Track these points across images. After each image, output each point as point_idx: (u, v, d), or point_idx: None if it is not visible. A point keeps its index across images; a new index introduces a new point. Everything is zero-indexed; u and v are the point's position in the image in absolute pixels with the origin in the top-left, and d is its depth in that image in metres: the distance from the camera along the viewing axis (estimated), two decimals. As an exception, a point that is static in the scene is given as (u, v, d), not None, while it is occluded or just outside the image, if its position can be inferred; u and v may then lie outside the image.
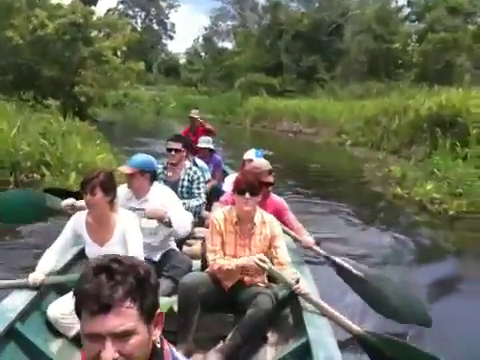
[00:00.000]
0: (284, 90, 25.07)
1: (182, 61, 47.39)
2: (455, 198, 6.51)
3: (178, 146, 3.83)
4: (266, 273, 2.69)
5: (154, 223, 2.96)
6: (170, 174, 3.88)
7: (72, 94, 15.32)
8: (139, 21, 48.71)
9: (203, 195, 3.89)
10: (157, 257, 3.00)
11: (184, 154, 3.92)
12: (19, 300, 2.40)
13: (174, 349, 1.09)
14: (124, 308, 0.93)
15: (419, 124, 10.45)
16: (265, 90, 23.88)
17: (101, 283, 0.93)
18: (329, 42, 26.37)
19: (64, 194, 3.15)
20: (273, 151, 9.75)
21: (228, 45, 40.97)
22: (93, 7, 16.84)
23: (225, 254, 2.61)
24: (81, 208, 2.78)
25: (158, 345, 1.04)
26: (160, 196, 2.98)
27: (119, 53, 17.54)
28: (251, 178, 2.64)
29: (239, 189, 2.57)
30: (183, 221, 3.02)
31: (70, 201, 2.91)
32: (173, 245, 3.17)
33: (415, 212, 6.69)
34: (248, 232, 2.64)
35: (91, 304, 0.93)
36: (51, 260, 2.58)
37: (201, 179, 3.92)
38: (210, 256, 2.60)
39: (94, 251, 2.59)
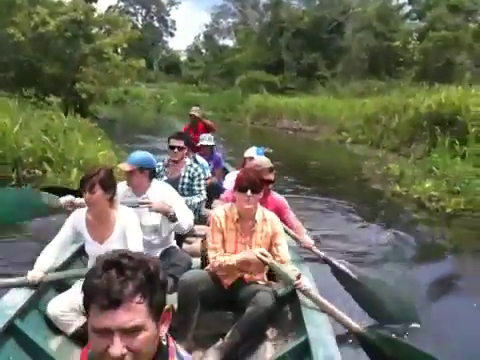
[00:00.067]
0: (285, 88, 25.08)
1: (183, 58, 47.33)
2: (453, 196, 6.54)
3: (180, 143, 3.85)
4: (266, 271, 2.72)
5: (156, 220, 2.96)
6: (171, 171, 3.90)
7: (73, 91, 15.33)
8: (140, 18, 48.71)
9: (204, 192, 3.92)
10: (157, 255, 2.99)
11: (185, 151, 3.96)
12: (18, 297, 2.39)
13: (178, 346, 1.10)
14: (134, 304, 0.93)
15: (419, 122, 10.47)
16: (265, 88, 23.88)
17: (111, 278, 0.93)
18: (330, 40, 26.35)
19: (62, 192, 3.12)
20: (273, 149, 9.77)
21: (229, 42, 41.09)
22: (94, 4, 16.80)
23: (226, 252, 2.61)
24: (80, 205, 2.76)
25: (164, 342, 1.04)
26: (160, 193, 2.98)
27: (120, 50, 17.56)
28: (252, 175, 2.63)
29: (240, 186, 2.57)
30: (187, 216, 3.05)
31: (69, 198, 2.90)
32: (173, 243, 3.17)
33: (413, 209, 6.73)
34: (249, 230, 2.64)
35: (101, 299, 0.93)
36: (50, 257, 2.57)
37: (202, 176, 3.94)
38: (211, 254, 2.60)
39: (94, 248, 2.59)
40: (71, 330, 2.42)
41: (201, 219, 3.91)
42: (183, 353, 1.09)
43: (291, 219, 3.34)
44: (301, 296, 2.61)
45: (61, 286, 2.64)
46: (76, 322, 2.41)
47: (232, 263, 2.53)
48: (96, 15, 16.61)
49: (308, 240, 3.32)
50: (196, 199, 3.82)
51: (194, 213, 3.57)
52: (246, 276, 2.63)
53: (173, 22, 49.82)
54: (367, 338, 2.45)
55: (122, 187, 2.92)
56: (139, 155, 3.00)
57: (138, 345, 0.94)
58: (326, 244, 4.80)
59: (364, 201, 7.61)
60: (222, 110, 24.67)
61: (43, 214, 3.62)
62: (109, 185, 2.49)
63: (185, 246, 3.60)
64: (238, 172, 3.26)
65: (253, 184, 2.55)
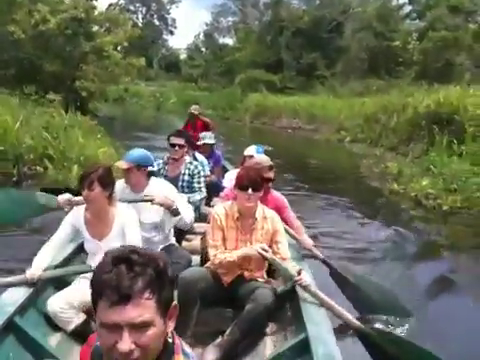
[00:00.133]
0: (284, 87, 25.07)
1: (183, 57, 47.28)
2: (450, 194, 6.61)
3: (181, 141, 3.85)
4: (265, 268, 2.74)
5: (156, 217, 2.96)
6: (171, 169, 3.91)
7: (73, 89, 15.33)
8: (140, 16, 48.62)
9: (204, 189, 3.93)
10: None
11: (186, 149, 3.96)
12: (18, 294, 2.39)
13: (184, 343, 1.10)
14: (143, 299, 0.93)
15: (417, 121, 10.52)
16: (265, 87, 23.90)
17: (121, 274, 0.93)
18: (329, 39, 26.36)
19: (59, 192, 3.06)
20: (272, 147, 9.85)
21: (229, 41, 40.96)
22: (94, 2, 16.77)
23: (226, 249, 2.61)
24: (78, 203, 2.74)
25: (169, 339, 1.04)
26: (159, 190, 2.96)
27: (120, 48, 17.58)
28: (253, 174, 2.63)
29: (241, 185, 2.56)
30: (188, 211, 3.08)
31: (66, 197, 2.85)
32: (172, 240, 3.17)
33: (410, 207, 6.79)
34: (249, 227, 2.64)
35: (110, 294, 0.93)
36: (48, 255, 2.56)
37: (201, 173, 3.95)
38: (211, 251, 2.59)
39: (93, 246, 2.61)
40: (71, 327, 2.42)
41: (201, 217, 3.90)
42: (188, 350, 1.09)
43: (291, 218, 3.31)
44: (301, 293, 2.61)
45: (60, 283, 2.64)
46: (75, 319, 2.42)
47: (233, 259, 2.53)
48: (96, 13, 16.60)
49: (308, 241, 3.30)
50: (197, 196, 3.84)
51: (194, 211, 3.56)
52: (246, 273, 2.63)
53: (173, 20, 49.81)
54: (367, 334, 2.46)
55: (120, 185, 2.90)
56: (136, 153, 2.99)
57: (146, 341, 0.95)
58: (324, 241, 4.87)
59: (362, 199, 7.69)
60: (222, 109, 24.67)
61: (39, 213, 3.57)
62: (108, 182, 2.50)
63: (184, 244, 3.61)
64: (238, 170, 3.29)
65: (254, 182, 2.55)
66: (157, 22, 49.44)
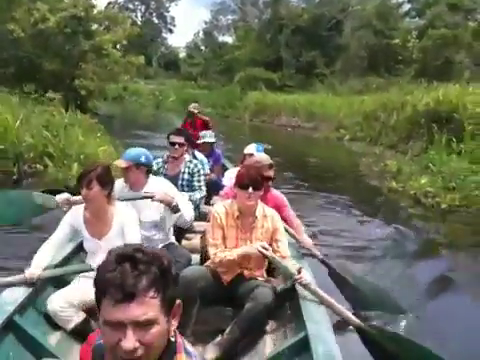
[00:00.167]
0: (283, 85, 25.08)
1: (182, 55, 47.26)
2: (448, 192, 6.63)
3: (181, 140, 3.84)
4: (265, 267, 2.74)
5: (156, 216, 2.97)
6: (170, 168, 3.91)
7: (72, 87, 15.35)
8: (139, 14, 48.56)
9: (203, 188, 3.93)
10: None
11: (185, 148, 3.96)
12: (18, 293, 2.39)
13: (186, 341, 1.10)
14: (148, 298, 0.94)
15: (416, 120, 10.54)
16: (264, 85, 23.88)
17: (125, 272, 0.93)
18: (329, 37, 26.34)
19: (57, 193, 3.06)
20: (272, 145, 9.87)
21: (228, 39, 40.85)
22: (94, 0, 16.83)
23: (226, 248, 2.61)
24: (77, 203, 2.74)
25: (171, 338, 1.04)
26: (158, 188, 2.96)
27: (119, 47, 17.58)
28: (254, 173, 2.63)
29: (242, 184, 2.56)
30: (188, 208, 3.09)
31: (65, 196, 2.84)
32: (172, 239, 3.17)
33: (409, 205, 6.81)
34: (249, 226, 2.64)
35: (115, 292, 0.93)
36: (47, 255, 2.55)
37: (201, 172, 3.95)
38: (211, 250, 2.60)
39: (92, 245, 2.61)
40: (70, 326, 2.42)
41: (200, 215, 3.90)
42: (190, 349, 1.09)
43: (291, 217, 3.29)
44: (300, 292, 2.61)
45: (60, 282, 2.64)
46: (75, 318, 2.41)
47: (233, 258, 2.53)
48: (96, 11, 16.61)
49: (307, 240, 3.29)
50: (198, 195, 3.83)
51: (194, 209, 3.55)
52: (245, 272, 2.64)
53: (172, 18, 49.73)
54: (367, 332, 2.48)
55: (119, 184, 2.90)
56: (134, 151, 2.99)
57: (150, 339, 0.95)
58: (323, 239, 4.89)
59: (361, 197, 7.70)
60: (221, 107, 24.68)
61: (37, 214, 3.52)
62: (106, 181, 2.49)
63: (184, 242, 3.61)
64: (238, 169, 3.27)
65: (254, 181, 2.56)
66: (156, 20, 49.37)
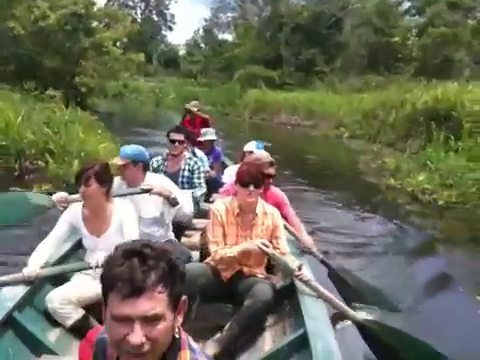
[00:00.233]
0: (283, 83, 25.05)
1: (182, 52, 47.18)
2: (445, 189, 6.70)
3: (181, 137, 3.85)
4: (265, 264, 2.75)
5: (156, 212, 2.98)
6: (170, 165, 3.92)
7: (73, 85, 15.40)
8: (139, 12, 48.46)
9: (204, 184, 3.93)
10: None
11: (185, 145, 3.98)
12: (17, 289, 2.39)
13: (190, 338, 1.10)
14: (156, 293, 0.94)
15: (415, 118, 10.58)
16: (264, 83, 23.85)
17: (133, 267, 0.93)
18: (329, 35, 26.31)
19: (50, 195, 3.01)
20: (271, 143, 9.91)
21: (228, 37, 40.82)
22: (94, -2, 16.85)
23: (226, 245, 2.62)
24: (74, 201, 2.72)
25: (176, 335, 1.04)
26: (156, 182, 2.96)
27: (119, 44, 17.60)
28: (254, 170, 2.63)
29: (243, 182, 2.56)
30: (187, 201, 3.12)
31: (62, 195, 2.81)
32: (171, 236, 3.17)
33: (407, 202, 6.87)
34: (249, 223, 2.65)
35: (123, 287, 0.93)
36: (45, 253, 2.55)
37: (201, 169, 3.96)
38: (212, 247, 2.60)
39: (91, 242, 2.62)
40: (69, 323, 2.41)
41: (200, 213, 3.89)
42: (194, 345, 1.09)
43: (291, 216, 3.28)
44: (300, 289, 2.62)
45: (59, 279, 2.63)
46: (74, 315, 2.41)
47: (233, 255, 2.54)
48: (96, 9, 16.65)
49: (308, 240, 3.27)
50: (199, 192, 3.84)
51: (194, 206, 3.58)
52: (245, 269, 2.64)
53: (172, 16, 49.62)
54: (367, 327, 2.51)
55: (116, 182, 2.89)
56: (130, 148, 3.01)
57: (157, 334, 0.95)
58: (322, 236, 4.94)
59: (359, 194, 7.73)
60: (221, 104, 24.66)
61: (37, 215, 3.44)
62: (104, 178, 2.49)
63: (184, 240, 3.61)
64: (237, 166, 3.27)
65: (255, 179, 2.56)
66: (156, 18, 49.27)
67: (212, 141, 5.30)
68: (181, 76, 38.19)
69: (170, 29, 50.16)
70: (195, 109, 6.23)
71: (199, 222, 3.81)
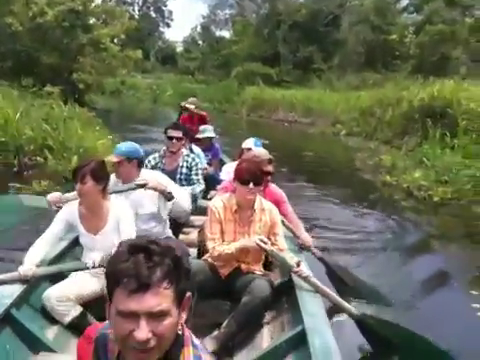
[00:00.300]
0: (281, 80, 25.02)
1: (179, 49, 47.09)
2: (441, 185, 6.76)
3: (179, 134, 3.82)
4: (262, 261, 2.75)
5: (154, 207, 2.99)
6: (168, 162, 3.89)
7: (70, 81, 15.40)
8: (136, 8, 48.32)
9: (202, 181, 3.91)
10: None
11: (183, 142, 3.96)
12: (15, 286, 2.38)
13: (193, 335, 1.10)
14: (162, 289, 0.94)
15: (411, 115, 10.64)
16: (262, 80, 23.83)
17: (139, 262, 0.94)
18: (326, 33, 26.27)
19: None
20: (269, 140, 9.94)
21: (226, 34, 40.86)
22: (91, -6, 16.81)
23: (224, 242, 2.62)
24: (68, 200, 2.72)
25: (179, 331, 1.04)
26: (150, 178, 2.97)
27: (116, 40, 17.58)
28: (254, 168, 2.62)
29: (243, 180, 2.56)
30: (183, 194, 3.15)
31: (56, 194, 2.80)
32: (169, 233, 3.17)
33: (402, 198, 6.93)
34: (247, 219, 2.65)
35: (129, 283, 0.93)
36: (41, 250, 2.54)
37: (199, 165, 3.96)
38: (210, 244, 2.60)
39: (88, 240, 2.62)
40: (67, 320, 2.41)
41: (198, 210, 3.88)
42: (197, 342, 1.09)
43: (289, 213, 3.27)
44: (298, 286, 2.63)
45: (57, 276, 2.62)
46: (72, 312, 2.41)
47: (231, 251, 2.54)
48: (94, 5, 16.61)
49: (307, 237, 3.26)
50: (198, 188, 3.83)
51: (193, 203, 3.61)
52: (243, 266, 2.64)
53: (170, 13, 49.56)
54: (365, 322, 2.54)
55: (112, 179, 2.89)
56: (125, 146, 3.02)
57: (162, 330, 0.95)
58: (317, 232, 4.99)
59: (355, 191, 7.77)
60: (218, 102, 24.60)
61: (25, 216, 3.42)
62: (100, 176, 2.49)
63: (181, 237, 3.62)
64: (235, 163, 3.24)
65: (255, 177, 2.56)
66: (153, 14, 49.17)
67: (211, 138, 5.31)
68: (178, 73, 38.09)
69: (168, 26, 50.17)
70: (193, 106, 6.16)
71: (197, 219, 3.81)
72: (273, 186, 3.34)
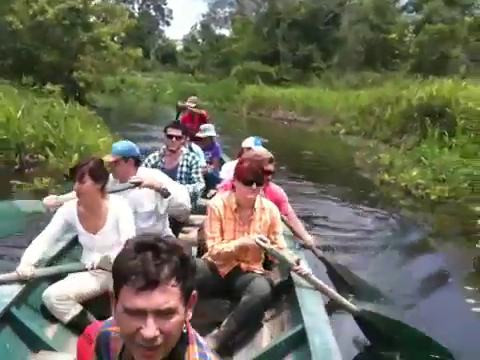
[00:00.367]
0: (280, 79, 25.04)
1: (179, 48, 47.09)
2: (438, 184, 6.80)
3: (178, 133, 3.82)
4: (262, 260, 2.74)
5: (152, 205, 3.00)
6: (168, 161, 3.88)
7: (71, 79, 15.41)
8: (136, 6, 48.30)
9: (202, 179, 3.90)
10: None
11: (183, 141, 3.96)
12: (14, 285, 2.38)
13: (197, 333, 1.11)
14: (169, 286, 0.94)
15: (410, 114, 10.65)
16: (261, 78, 23.86)
17: (147, 260, 0.93)
18: (326, 31, 26.29)
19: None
20: (268, 138, 9.98)
21: (226, 32, 40.81)
22: (92, -8, 16.81)
23: (223, 240, 2.61)
24: (65, 201, 2.72)
25: (184, 330, 1.03)
26: (146, 176, 2.98)
27: (116, 39, 17.59)
28: (256, 168, 2.60)
29: (246, 180, 2.54)
30: (180, 190, 3.16)
31: (53, 197, 2.79)
32: (169, 232, 3.17)
33: (400, 197, 6.98)
34: (247, 218, 2.64)
35: (137, 280, 0.93)
36: (39, 250, 2.52)
37: (199, 164, 3.96)
38: (209, 242, 2.59)
39: (88, 240, 2.62)
40: (67, 318, 2.41)
41: (198, 209, 3.87)
42: (201, 340, 1.10)
43: (290, 213, 3.25)
44: (298, 284, 2.63)
45: (56, 275, 2.60)
46: (72, 310, 2.41)
47: (231, 250, 2.53)
48: (94, 4, 16.62)
49: (307, 237, 3.25)
50: (198, 186, 3.81)
51: (191, 202, 3.58)
52: (243, 265, 2.64)
53: (170, 11, 49.62)
54: (365, 318, 2.55)
55: (109, 179, 2.85)
56: (121, 145, 3.03)
57: (169, 328, 0.95)
58: (316, 230, 5.02)
59: (354, 189, 7.80)
60: (218, 100, 24.63)
61: (29, 223, 3.34)
62: (99, 175, 2.49)
63: (181, 236, 3.62)
64: (235, 162, 3.22)
65: (258, 177, 2.56)
66: (153, 12, 49.16)
67: (212, 137, 5.34)
68: (178, 71, 38.13)
69: (168, 24, 50.16)
70: (193, 105, 6.15)
71: (196, 218, 3.81)
72: (274, 186, 3.33)
